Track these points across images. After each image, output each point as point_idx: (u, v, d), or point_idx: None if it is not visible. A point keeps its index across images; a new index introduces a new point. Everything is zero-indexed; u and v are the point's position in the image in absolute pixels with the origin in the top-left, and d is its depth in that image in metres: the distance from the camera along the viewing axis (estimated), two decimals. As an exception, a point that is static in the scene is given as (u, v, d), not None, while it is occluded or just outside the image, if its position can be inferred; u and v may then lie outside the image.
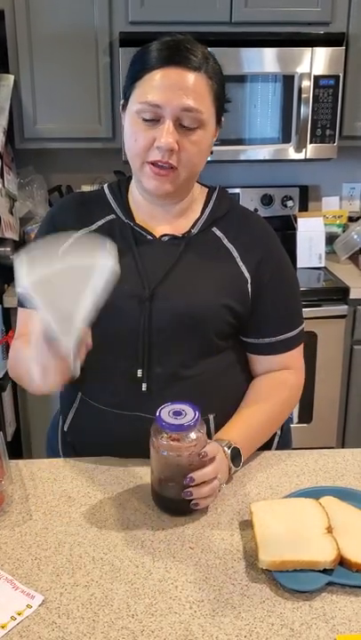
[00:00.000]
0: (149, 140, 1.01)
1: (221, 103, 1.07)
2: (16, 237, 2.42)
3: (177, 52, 1.00)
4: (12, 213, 2.39)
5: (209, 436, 1.13)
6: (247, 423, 1.10)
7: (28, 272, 0.82)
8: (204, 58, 1.01)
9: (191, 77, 1.00)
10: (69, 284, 0.84)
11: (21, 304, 1.18)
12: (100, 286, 0.84)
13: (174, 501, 0.97)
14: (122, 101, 1.08)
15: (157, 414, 0.95)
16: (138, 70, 1.02)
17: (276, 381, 1.16)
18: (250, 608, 0.81)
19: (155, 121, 1.00)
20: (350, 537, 0.89)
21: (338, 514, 0.94)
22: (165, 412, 0.95)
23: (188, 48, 1.00)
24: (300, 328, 1.18)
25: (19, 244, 2.47)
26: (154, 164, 1.02)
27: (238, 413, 1.12)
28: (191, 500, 0.95)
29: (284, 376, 1.17)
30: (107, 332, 1.09)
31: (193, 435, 0.94)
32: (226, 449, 1.02)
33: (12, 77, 2.28)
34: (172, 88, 0.99)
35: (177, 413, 0.95)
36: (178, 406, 0.96)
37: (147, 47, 1.03)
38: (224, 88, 1.07)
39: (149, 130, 1.01)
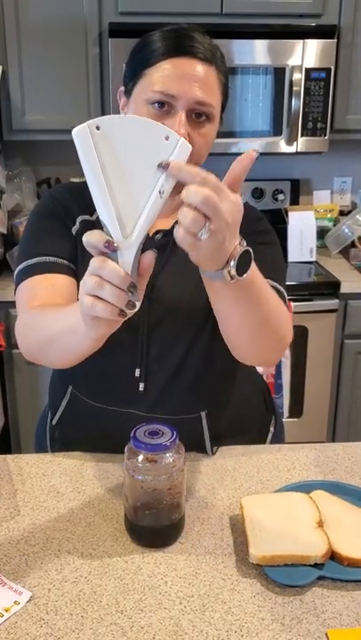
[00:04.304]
0: None
1: (226, 97, 1.06)
2: (4, 230, 2.40)
3: (188, 42, 0.98)
4: None
5: (202, 434, 1.12)
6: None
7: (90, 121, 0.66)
8: (213, 48, 1.00)
9: (204, 70, 0.98)
10: (141, 148, 0.67)
11: (26, 275, 1.05)
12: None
13: (152, 531, 0.89)
14: (121, 88, 1.05)
15: (132, 434, 0.88)
16: (147, 58, 0.99)
17: None
18: (240, 603, 0.81)
19: (165, 111, 0.98)
20: (341, 531, 0.89)
21: (329, 508, 0.93)
22: (141, 432, 0.88)
23: (197, 38, 0.99)
24: (283, 288, 1.07)
25: (7, 238, 2.44)
26: None
27: None
28: (172, 527, 0.87)
29: None
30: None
31: (171, 456, 0.87)
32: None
33: None
34: (186, 79, 0.97)
35: (153, 433, 0.88)
36: (154, 426, 0.90)
37: (152, 35, 1.01)
38: (228, 81, 1.05)
39: (159, 120, 0.98)
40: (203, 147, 1.01)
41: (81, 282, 0.74)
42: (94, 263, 0.72)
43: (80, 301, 0.75)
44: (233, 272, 0.75)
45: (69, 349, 0.91)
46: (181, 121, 0.97)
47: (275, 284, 1.06)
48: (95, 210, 1.04)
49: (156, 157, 0.70)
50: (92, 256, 0.78)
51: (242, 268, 0.76)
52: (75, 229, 1.09)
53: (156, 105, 0.97)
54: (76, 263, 1.07)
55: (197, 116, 0.99)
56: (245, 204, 1.17)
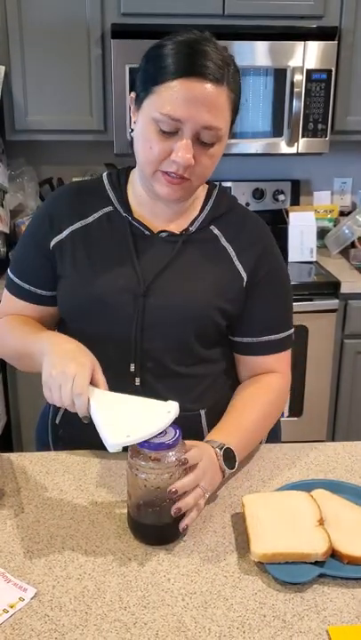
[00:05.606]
0: (166, 150, 0.99)
1: (237, 111, 1.05)
2: (7, 230, 2.41)
3: (200, 60, 0.96)
4: (2, 206, 2.38)
5: (201, 431, 1.13)
6: (238, 424, 1.07)
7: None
8: (225, 65, 0.98)
9: (214, 91, 0.97)
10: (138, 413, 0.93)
11: (9, 289, 1.19)
12: (158, 428, 0.89)
13: (155, 528, 0.90)
14: (132, 94, 1.05)
15: None
16: (157, 74, 0.98)
17: (260, 385, 1.14)
18: (242, 600, 0.82)
19: (172, 133, 0.98)
20: (342, 529, 0.90)
21: (329, 506, 0.94)
22: None
23: (208, 53, 0.97)
24: (288, 333, 1.16)
25: (9, 237, 2.45)
26: (167, 173, 1.00)
27: (227, 416, 1.09)
28: (175, 525, 0.90)
29: (269, 379, 1.15)
30: (101, 325, 1.08)
31: (174, 454, 0.88)
32: (218, 450, 0.98)
33: (2, 68, 2.26)
34: (194, 103, 0.96)
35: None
36: None
37: (165, 45, 0.99)
38: (240, 94, 1.04)
39: (166, 140, 0.98)
40: (208, 167, 1.03)
41: (48, 374, 0.98)
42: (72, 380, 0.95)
43: (43, 379, 0.99)
44: (227, 473, 1.00)
45: (34, 368, 1.06)
46: (187, 146, 0.97)
47: (281, 335, 1.16)
48: (91, 213, 1.15)
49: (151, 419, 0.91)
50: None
51: (231, 464, 1.01)
52: (57, 239, 1.12)
53: (165, 126, 0.97)
54: (54, 283, 1.14)
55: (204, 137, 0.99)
56: (246, 212, 1.18)
